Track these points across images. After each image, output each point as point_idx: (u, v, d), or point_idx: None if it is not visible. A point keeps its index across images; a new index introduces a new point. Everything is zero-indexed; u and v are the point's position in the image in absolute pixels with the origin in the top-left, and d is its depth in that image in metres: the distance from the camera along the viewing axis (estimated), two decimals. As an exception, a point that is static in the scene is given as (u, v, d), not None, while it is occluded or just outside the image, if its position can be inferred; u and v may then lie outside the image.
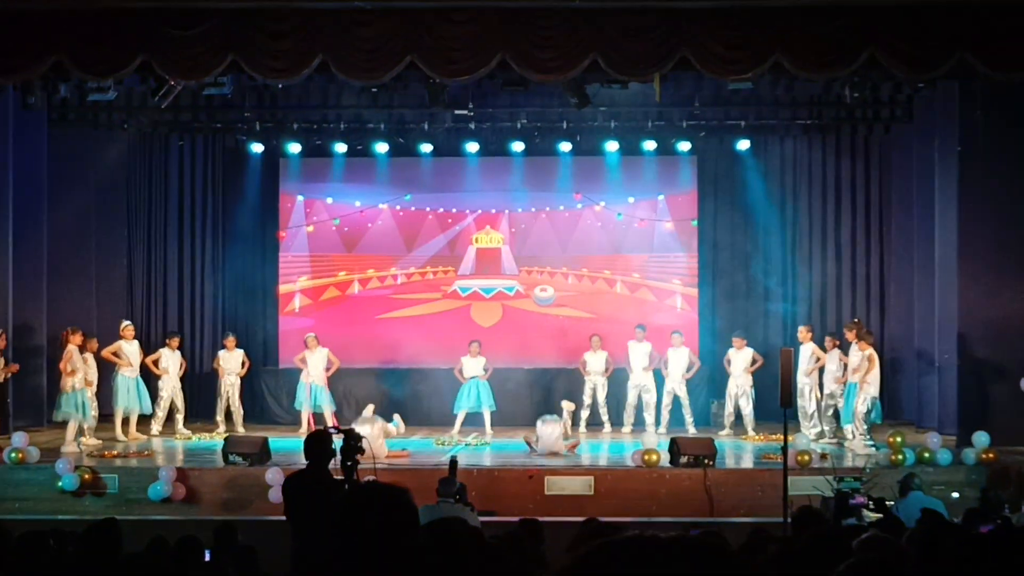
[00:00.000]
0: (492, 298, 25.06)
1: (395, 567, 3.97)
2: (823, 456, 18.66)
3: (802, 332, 21.90)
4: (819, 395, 21.48)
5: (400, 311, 24.96)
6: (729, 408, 22.34)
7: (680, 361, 22.64)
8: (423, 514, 4.38)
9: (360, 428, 17.78)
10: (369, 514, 4.07)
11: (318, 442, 9.94)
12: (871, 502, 13.38)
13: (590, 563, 2.15)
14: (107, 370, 21.65)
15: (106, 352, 21.61)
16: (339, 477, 10.00)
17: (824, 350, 21.51)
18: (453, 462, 14.46)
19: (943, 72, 17.53)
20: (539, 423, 20.00)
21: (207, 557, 9.76)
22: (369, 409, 20.58)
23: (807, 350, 21.55)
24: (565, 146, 24.26)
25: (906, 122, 23.37)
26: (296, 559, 9.40)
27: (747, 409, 22.09)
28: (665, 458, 18.26)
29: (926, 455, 18.37)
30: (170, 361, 22.58)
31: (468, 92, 21.77)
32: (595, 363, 22.90)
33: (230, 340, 23.07)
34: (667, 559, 2.12)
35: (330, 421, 21.38)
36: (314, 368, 22.50)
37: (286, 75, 17.85)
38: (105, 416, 21.53)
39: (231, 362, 22.88)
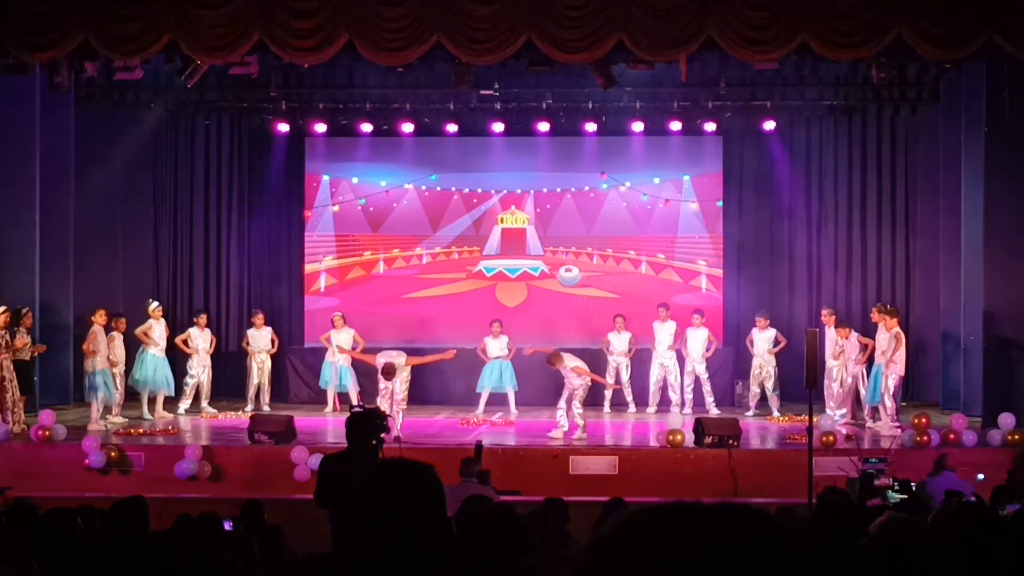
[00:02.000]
0: (517, 278, 25.06)
1: (424, 543, 3.99)
2: (848, 437, 18.65)
3: (825, 315, 21.84)
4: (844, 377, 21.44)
5: (425, 291, 24.98)
6: (754, 389, 22.33)
7: (699, 341, 22.63)
8: (447, 493, 4.39)
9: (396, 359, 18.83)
10: (396, 490, 4.09)
11: (361, 423, 9.88)
12: (896, 483, 13.37)
13: (631, 530, 2.13)
14: (134, 349, 21.70)
15: (138, 332, 21.69)
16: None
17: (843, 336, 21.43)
18: (479, 447, 14.48)
19: (970, 52, 17.47)
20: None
21: (228, 527, 9.78)
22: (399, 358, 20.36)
23: (832, 333, 21.50)
24: (591, 126, 24.21)
25: (932, 103, 23.28)
26: (337, 541, 9.33)
27: (771, 390, 22.07)
28: (690, 438, 18.26)
29: (951, 436, 18.34)
30: (199, 339, 22.65)
31: (494, 72, 21.77)
32: (619, 343, 22.91)
33: (258, 317, 23.14)
34: (714, 525, 2.09)
35: (354, 400, 21.41)
36: (340, 347, 22.53)
37: (312, 55, 17.88)
38: (133, 395, 21.63)
39: (260, 341, 22.94)
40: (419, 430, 20.13)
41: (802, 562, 2.06)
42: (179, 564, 6.02)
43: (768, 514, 2.11)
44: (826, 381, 21.30)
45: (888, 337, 20.22)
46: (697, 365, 22.62)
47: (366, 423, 9.88)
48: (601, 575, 2.08)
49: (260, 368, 22.89)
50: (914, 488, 13.17)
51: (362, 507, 4.13)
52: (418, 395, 22.78)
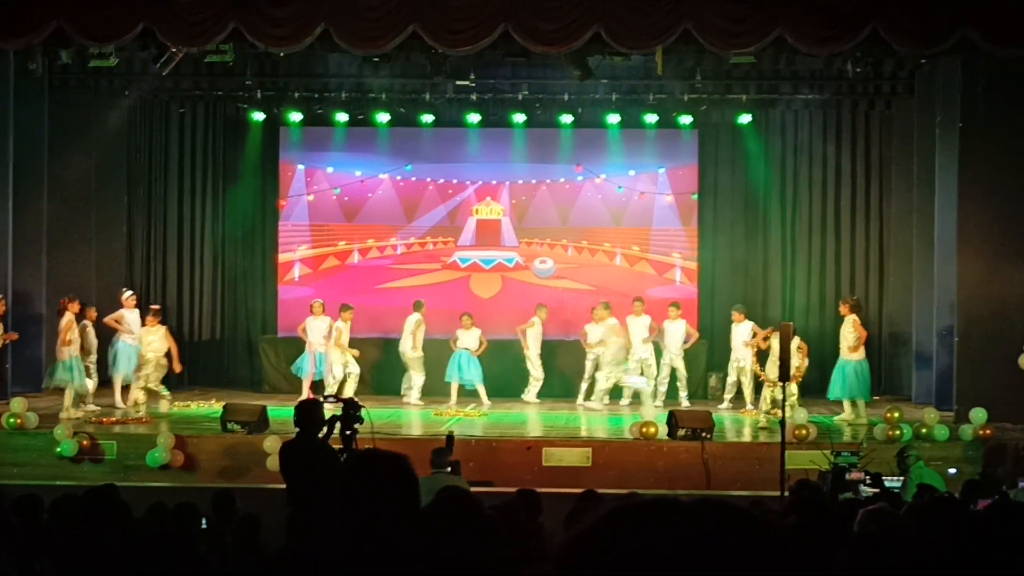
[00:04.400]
0: (492, 269, 25.05)
1: (397, 534, 3.98)
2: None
3: (735, 315, 22.01)
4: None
5: (400, 281, 24.94)
6: (732, 380, 22.31)
7: (677, 333, 22.62)
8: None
9: None
10: (370, 481, 4.08)
11: (307, 411, 9.97)
12: (867, 477, 13.41)
13: (611, 525, 2.12)
14: (106, 338, 21.60)
15: (109, 319, 21.55)
16: (338, 446, 10.02)
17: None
18: (450, 437, 14.45)
19: (945, 48, 17.56)
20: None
21: (203, 524, 9.79)
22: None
23: (745, 328, 21.73)
24: (566, 118, 24.21)
25: (908, 97, 23.37)
26: (292, 524, 9.43)
27: (747, 383, 22.07)
28: (663, 430, 18.28)
29: (923, 430, 18.41)
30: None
31: (470, 63, 21.74)
32: (596, 335, 22.88)
33: (318, 307, 22.80)
34: (695, 521, 2.09)
35: (331, 391, 21.37)
36: (316, 335, 22.46)
37: (288, 43, 17.85)
38: (104, 383, 21.54)
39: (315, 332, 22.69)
40: (392, 421, 20.14)
41: (780, 558, 2.06)
42: (154, 553, 6.00)
43: (746, 510, 2.11)
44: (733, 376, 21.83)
45: (853, 328, 20.50)
46: (675, 358, 22.59)
47: (311, 410, 9.97)
48: (579, 573, 2.07)
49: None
50: (884, 480, 13.21)
51: (336, 498, 4.13)
52: (392, 386, 22.82)
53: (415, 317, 22.53)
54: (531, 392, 22.82)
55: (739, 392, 22.23)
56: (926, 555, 5.79)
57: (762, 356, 20.85)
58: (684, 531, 2.04)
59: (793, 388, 20.12)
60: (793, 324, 19.77)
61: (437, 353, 22.72)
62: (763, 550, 2.05)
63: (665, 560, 2.02)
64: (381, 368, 23.53)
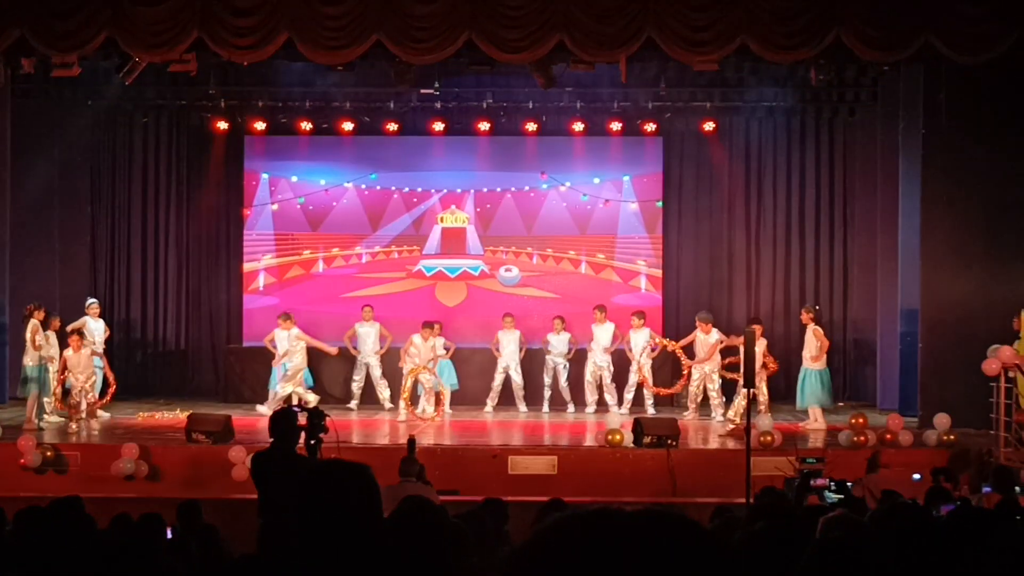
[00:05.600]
0: (457, 278, 25.04)
1: (359, 544, 3.98)
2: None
3: (700, 324, 22.04)
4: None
5: (364, 290, 24.89)
6: (694, 389, 22.29)
7: (641, 342, 22.63)
8: (385, 494, 4.39)
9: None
10: (332, 491, 4.08)
11: (283, 420, 9.94)
12: (833, 483, 13.44)
13: (553, 536, 2.13)
14: (65, 347, 21.47)
15: (71, 328, 21.44)
16: (303, 455, 10.00)
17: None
18: (411, 442, 14.43)
19: (908, 55, 17.64)
20: None
21: (169, 535, 9.76)
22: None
23: (713, 338, 21.77)
24: (531, 126, 24.22)
25: (871, 104, 23.48)
26: (263, 536, 9.41)
27: (713, 391, 22.06)
28: (629, 438, 18.30)
29: (888, 436, 18.47)
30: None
31: (434, 71, 21.76)
32: (558, 344, 22.91)
33: (289, 322, 22.63)
34: (636, 532, 2.10)
35: (295, 400, 21.34)
36: (284, 347, 22.41)
37: (251, 53, 17.81)
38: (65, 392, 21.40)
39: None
40: (360, 429, 20.14)
41: (725, 566, 2.07)
42: (119, 563, 5.99)
43: (690, 519, 2.12)
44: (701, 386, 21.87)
45: (815, 338, 20.62)
46: (643, 366, 22.54)
47: (287, 420, 9.93)
48: None
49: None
50: (850, 487, 13.24)
51: (298, 508, 4.13)
52: (365, 395, 22.84)
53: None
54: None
55: (705, 399, 22.22)
56: (888, 562, 5.81)
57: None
58: (625, 541, 2.06)
59: (764, 390, 20.30)
60: (761, 327, 19.90)
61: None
62: (706, 559, 2.06)
63: (606, 570, 2.03)
64: (347, 377, 23.46)
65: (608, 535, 2.08)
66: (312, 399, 20.77)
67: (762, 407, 20.51)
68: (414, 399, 21.78)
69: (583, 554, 2.05)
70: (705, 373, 22.00)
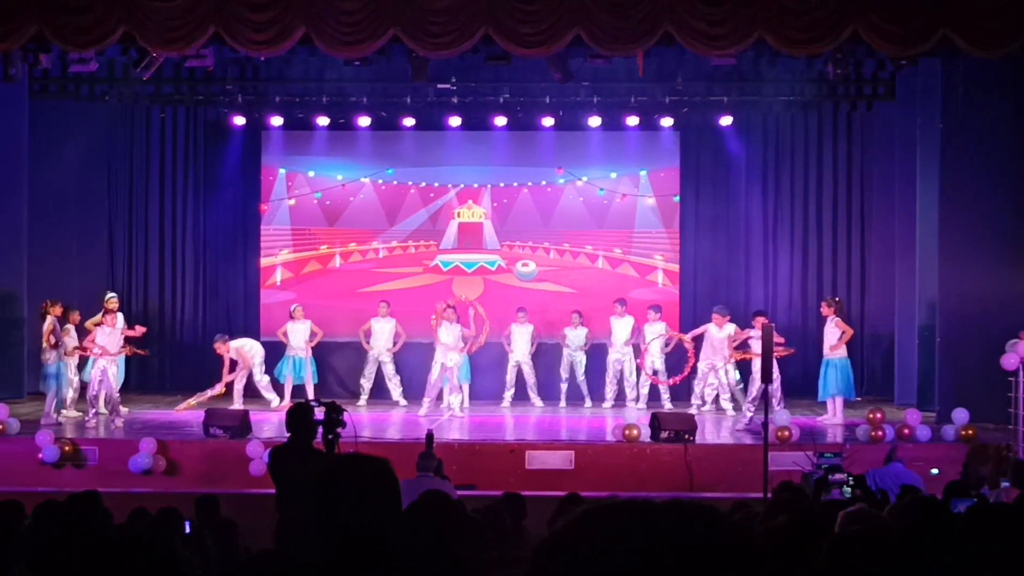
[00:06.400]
0: (474, 272, 25.03)
1: (378, 539, 3.98)
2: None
3: (716, 317, 21.94)
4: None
5: (381, 285, 24.87)
6: (711, 383, 22.24)
7: (655, 335, 22.58)
8: (402, 488, 4.39)
9: None
10: (351, 485, 4.08)
11: (300, 415, 9.93)
12: (851, 478, 13.42)
13: (583, 526, 2.12)
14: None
15: (90, 323, 21.47)
16: (320, 450, 10.00)
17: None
18: (429, 437, 14.44)
19: (925, 49, 17.60)
20: None
21: (187, 529, 9.77)
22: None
23: (727, 331, 21.70)
24: (548, 121, 24.17)
25: (888, 99, 23.41)
26: (281, 531, 9.41)
27: (726, 384, 22.02)
28: (646, 433, 18.28)
29: (906, 431, 18.43)
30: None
31: (451, 66, 21.74)
32: (574, 339, 22.90)
33: (298, 311, 23.02)
34: (665, 523, 2.09)
35: (310, 394, 21.37)
36: (297, 339, 22.50)
37: (268, 48, 17.82)
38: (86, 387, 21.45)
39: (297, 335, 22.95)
40: (376, 424, 20.16)
41: (750, 558, 2.06)
42: (136, 559, 5.98)
43: (717, 510, 2.11)
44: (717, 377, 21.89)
45: (837, 330, 20.53)
46: (656, 360, 22.56)
47: (304, 414, 9.93)
48: (552, 574, 2.08)
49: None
50: (865, 480, 13.23)
51: (317, 502, 4.12)
52: (375, 390, 22.86)
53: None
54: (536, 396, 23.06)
55: (718, 395, 22.19)
56: (906, 556, 5.80)
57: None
58: (654, 532, 2.05)
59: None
60: (765, 318, 19.90)
61: (426, 357, 22.66)
62: (733, 551, 2.06)
63: (635, 561, 2.02)
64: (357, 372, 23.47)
65: (637, 526, 2.07)
66: (270, 398, 21.56)
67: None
68: (439, 395, 21.80)
69: (612, 544, 2.05)
70: (714, 367, 21.93)
